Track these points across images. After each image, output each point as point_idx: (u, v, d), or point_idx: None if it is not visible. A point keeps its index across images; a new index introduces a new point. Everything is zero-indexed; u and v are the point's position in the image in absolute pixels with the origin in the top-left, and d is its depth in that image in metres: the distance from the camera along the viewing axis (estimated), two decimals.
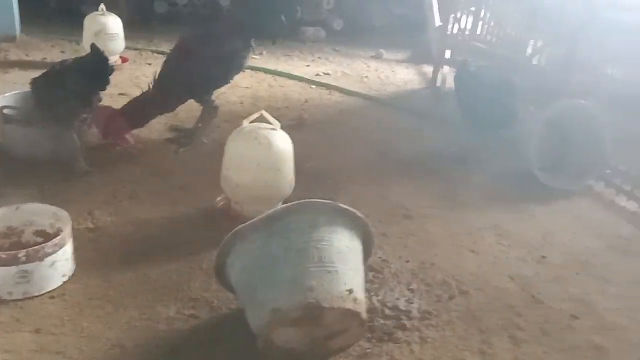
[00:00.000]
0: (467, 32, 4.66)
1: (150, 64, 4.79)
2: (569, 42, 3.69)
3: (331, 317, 1.61)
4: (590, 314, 2.17)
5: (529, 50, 4.07)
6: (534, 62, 4.01)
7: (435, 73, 4.96)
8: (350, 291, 1.64)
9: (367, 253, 1.92)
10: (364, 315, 1.69)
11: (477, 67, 3.74)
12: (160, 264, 2.22)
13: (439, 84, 4.88)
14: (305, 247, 1.66)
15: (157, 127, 3.43)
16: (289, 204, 1.72)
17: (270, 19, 3.19)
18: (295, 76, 4.85)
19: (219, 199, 2.62)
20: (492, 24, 4.45)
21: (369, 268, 2.29)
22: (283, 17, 3.23)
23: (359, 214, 1.81)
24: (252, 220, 1.72)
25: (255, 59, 5.32)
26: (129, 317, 1.94)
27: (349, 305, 1.62)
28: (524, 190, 3.12)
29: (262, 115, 2.42)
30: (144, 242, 2.39)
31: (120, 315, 1.94)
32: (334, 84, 4.75)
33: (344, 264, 1.68)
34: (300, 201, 1.74)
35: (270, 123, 2.42)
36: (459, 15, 4.73)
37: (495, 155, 3.46)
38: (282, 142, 2.41)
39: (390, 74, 5.35)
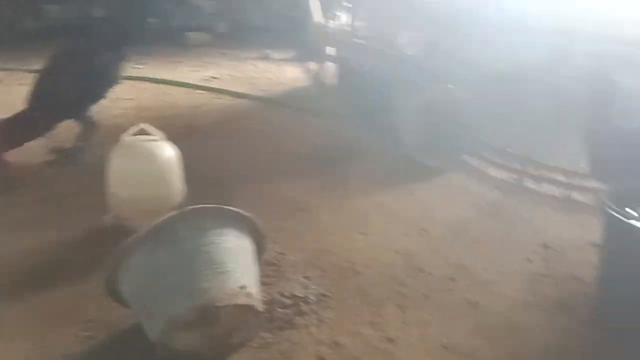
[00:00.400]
0: (345, 29, 4.89)
1: (22, 85, 4.54)
2: (435, 32, 4.02)
3: (227, 314, 1.70)
4: (466, 275, 2.43)
5: (402, 42, 4.37)
6: (408, 52, 4.31)
7: (319, 69, 5.17)
8: (243, 287, 1.74)
9: (260, 248, 2.02)
10: (259, 308, 1.79)
11: (356, 62, 3.97)
12: (50, 290, 2.17)
13: (325, 79, 5.09)
14: (194, 252, 1.73)
15: (36, 149, 3.30)
16: (172, 213, 1.78)
17: (138, 26, 3.18)
18: (182, 83, 4.84)
19: (107, 216, 2.59)
20: (368, 19, 4.72)
21: (265, 262, 2.40)
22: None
23: (244, 213, 1.90)
24: (137, 233, 1.75)
25: (137, 69, 5.23)
26: (24, 350, 1.88)
27: (243, 301, 1.72)
28: (406, 171, 3.39)
29: (142, 127, 2.44)
30: (31, 271, 2.30)
31: (12, 350, 1.88)
32: (222, 88, 4.80)
33: (235, 263, 1.77)
34: (183, 208, 1.81)
35: (151, 134, 2.45)
36: (336, 13, 4.96)
37: (378, 142, 3.71)
38: (166, 152, 2.45)
39: (279, 73, 5.50)
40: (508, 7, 3.68)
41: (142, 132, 2.47)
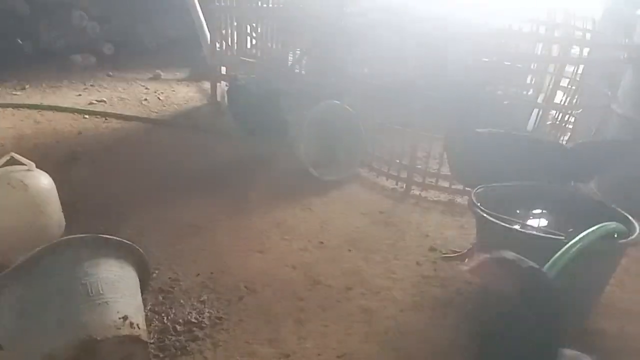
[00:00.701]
0: (235, 48, 4.90)
1: None
2: (322, 50, 4.15)
3: (109, 348, 1.61)
4: (361, 283, 2.50)
5: (290, 60, 4.46)
6: (296, 70, 4.41)
7: (213, 88, 5.13)
8: (125, 317, 1.66)
9: (144, 275, 1.94)
10: (145, 337, 1.72)
11: (245, 80, 3.98)
12: None
13: (219, 98, 5.05)
14: (69, 285, 1.63)
15: None
16: (43, 246, 1.67)
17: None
18: (65, 108, 4.56)
19: None
20: (256, 39, 4.76)
21: (158, 290, 2.33)
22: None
23: (123, 240, 1.83)
24: (6, 271, 1.63)
25: (16, 95, 4.88)
26: None
27: (126, 332, 1.64)
28: (302, 187, 3.44)
29: (12, 157, 2.27)
30: None
31: None
32: (110, 111, 4.60)
33: (114, 293, 1.69)
34: (55, 241, 1.70)
35: (22, 164, 2.29)
36: (225, 32, 4.95)
37: (275, 159, 3.74)
38: (40, 182, 2.30)
39: (171, 94, 5.36)
40: (389, 24, 3.87)
41: (13, 162, 2.30)
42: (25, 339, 1.60)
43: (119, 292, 1.71)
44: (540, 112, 3.94)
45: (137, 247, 1.88)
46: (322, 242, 2.84)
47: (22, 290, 1.61)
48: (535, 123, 3.96)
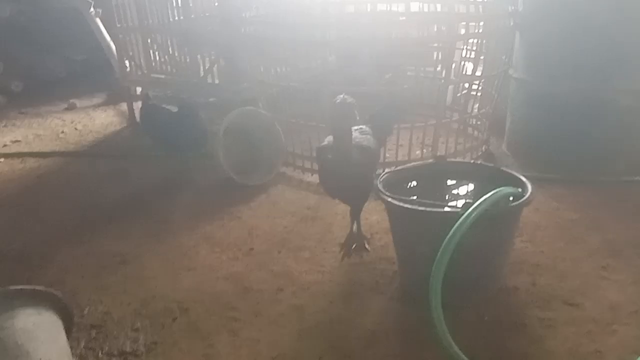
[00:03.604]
0: (144, 67, 4.84)
1: None
2: (228, 57, 4.18)
3: None
4: (291, 282, 2.57)
5: (202, 72, 4.46)
6: (209, 81, 4.42)
7: (130, 110, 5.06)
8: None
9: (67, 316, 1.95)
10: None
11: (157, 97, 3.96)
12: None
13: (138, 119, 4.99)
14: None
15: None
16: None
17: None
18: None
19: None
20: (165, 55, 4.72)
21: (90, 327, 2.33)
22: None
23: (36, 287, 1.83)
24: None
25: None
26: None
27: None
28: (228, 196, 3.47)
29: None
30: None
31: None
32: (25, 151, 4.47)
33: (33, 341, 1.70)
34: None
35: None
36: (132, 53, 4.88)
37: (197, 173, 3.76)
38: None
39: (88, 122, 5.26)
40: (292, 27, 3.94)
41: None
42: None
43: (38, 340, 1.72)
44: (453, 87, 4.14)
45: (53, 292, 1.88)
46: (252, 249, 2.90)
47: None
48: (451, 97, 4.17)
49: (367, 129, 2.70)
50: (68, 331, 1.96)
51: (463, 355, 1.89)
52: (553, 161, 3.51)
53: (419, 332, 2.17)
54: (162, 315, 2.39)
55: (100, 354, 2.17)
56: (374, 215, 3.17)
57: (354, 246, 2.73)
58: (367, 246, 2.74)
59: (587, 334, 2.12)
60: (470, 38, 4.06)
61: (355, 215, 2.72)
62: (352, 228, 2.74)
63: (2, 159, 4.35)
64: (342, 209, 3.29)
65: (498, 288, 2.39)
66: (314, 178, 3.73)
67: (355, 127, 2.59)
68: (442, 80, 3.93)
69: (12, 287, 1.78)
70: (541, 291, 2.41)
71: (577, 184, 3.39)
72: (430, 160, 2.61)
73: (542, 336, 2.13)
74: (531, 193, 2.23)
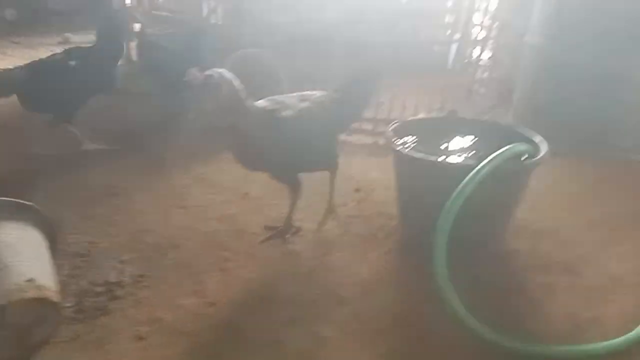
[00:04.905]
0: (145, 3, 4.64)
1: None
2: None
3: (15, 312, 1.54)
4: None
5: (205, 11, 4.28)
6: (212, 20, 4.24)
7: (127, 48, 4.86)
8: (31, 280, 1.58)
9: (51, 236, 1.85)
10: (55, 298, 1.65)
11: (155, 35, 3.79)
12: None
13: (134, 58, 4.80)
14: None
15: None
16: None
17: None
18: None
19: None
20: None
21: (74, 254, 2.24)
22: None
23: (22, 201, 1.73)
24: None
25: None
26: None
27: (32, 294, 1.57)
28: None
29: None
30: None
31: None
32: None
33: (17, 256, 1.61)
34: None
35: None
36: None
37: (193, 114, 3.62)
38: None
39: None
40: None
41: None
42: None
43: (21, 255, 1.63)
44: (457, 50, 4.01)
45: (37, 207, 1.78)
46: (247, 193, 2.81)
47: None
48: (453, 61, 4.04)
49: (323, 97, 2.34)
50: (51, 252, 1.87)
51: (463, 309, 1.84)
52: (560, 132, 3.42)
53: (415, 284, 2.11)
54: (151, 250, 2.31)
55: (83, 282, 2.08)
56: (374, 172, 3.09)
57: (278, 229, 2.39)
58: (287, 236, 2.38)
59: (586, 301, 2.07)
60: None
61: (291, 193, 2.33)
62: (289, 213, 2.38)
63: None
64: (341, 162, 3.19)
65: (500, 249, 2.33)
66: None
67: (307, 92, 2.31)
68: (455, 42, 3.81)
69: None
70: (542, 257, 2.35)
71: (582, 156, 3.32)
72: (442, 114, 2.51)
73: (540, 300, 2.09)
74: (545, 152, 2.15)
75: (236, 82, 2.06)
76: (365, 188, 2.87)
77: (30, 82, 3.04)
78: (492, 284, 2.16)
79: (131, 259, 2.24)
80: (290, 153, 2.13)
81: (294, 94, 2.31)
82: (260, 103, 2.18)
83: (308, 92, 2.35)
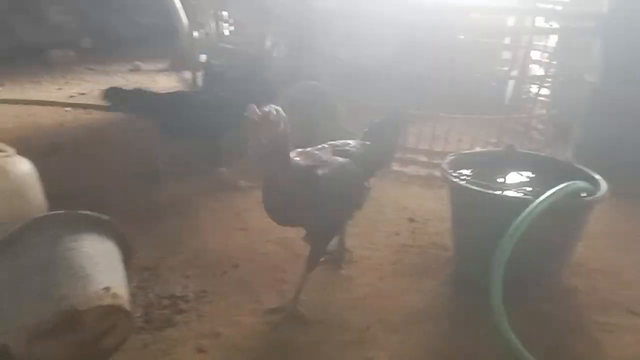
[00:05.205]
0: (213, 35, 4.91)
1: None
2: (297, 33, 4.19)
3: (91, 317, 1.66)
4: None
5: (268, 44, 4.48)
6: (274, 54, 4.43)
7: (193, 77, 5.15)
8: (107, 289, 1.71)
9: (126, 250, 1.99)
10: (127, 307, 1.77)
11: (221, 66, 4.01)
12: None
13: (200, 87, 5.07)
14: (51, 260, 1.67)
15: None
16: (24, 223, 1.71)
17: None
18: (45, 101, 4.57)
19: None
20: (234, 25, 4.78)
21: (142, 268, 2.37)
22: None
23: (101, 216, 1.87)
24: None
25: None
26: None
27: (108, 302, 1.69)
28: None
29: None
30: None
31: None
32: (90, 103, 4.61)
33: (96, 266, 1.74)
34: (35, 217, 1.75)
35: (3, 151, 2.32)
36: (202, 20, 4.97)
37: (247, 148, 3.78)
38: (20, 167, 2.32)
39: (152, 85, 5.36)
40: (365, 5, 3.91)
41: None
42: (11, 313, 1.64)
43: (100, 266, 1.75)
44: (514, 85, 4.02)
45: (116, 223, 1.92)
46: None
47: (5, 265, 1.65)
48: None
49: (353, 146, 2.27)
50: (125, 265, 2.00)
51: (519, 344, 1.83)
52: (619, 171, 3.35)
53: (469, 316, 2.12)
54: (212, 268, 2.42)
55: (150, 294, 2.21)
56: (428, 203, 3.12)
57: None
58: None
59: None
60: (544, 34, 3.93)
61: (312, 257, 2.13)
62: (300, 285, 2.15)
63: (68, 108, 4.50)
64: (396, 192, 3.26)
65: (557, 286, 2.31)
66: None
67: (339, 142, 2.24)
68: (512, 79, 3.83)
69: (80, 212, 1.82)
70: (601, 296, 2.31)
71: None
72: (500, 148, 2.53)
73: (600, 340, 2.05)
74: (605, 190, 2.14)
75: (288, 127, 1.92)
76: (420, 218, 2.91)
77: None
78: (550, 322, 2.13)
79: (195, 275, 2.36)
80: (324, 208, 2.04)
81: (327, 145, 2.23)
82: (296, 157, 2.05)
83: (340, 142, 2.29)
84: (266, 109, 1.88)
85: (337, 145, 2.25)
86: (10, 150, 2.35)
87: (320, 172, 2.03)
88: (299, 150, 2.12)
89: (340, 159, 2.16)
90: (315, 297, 2.23)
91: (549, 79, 3.89)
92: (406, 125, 2.71)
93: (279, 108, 1.92)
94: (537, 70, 4.26)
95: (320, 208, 2.02)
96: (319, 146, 2.22)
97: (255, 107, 1.88)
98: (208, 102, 3.28)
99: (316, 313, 2.12)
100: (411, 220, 2.89)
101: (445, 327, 2.08)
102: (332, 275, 2.39)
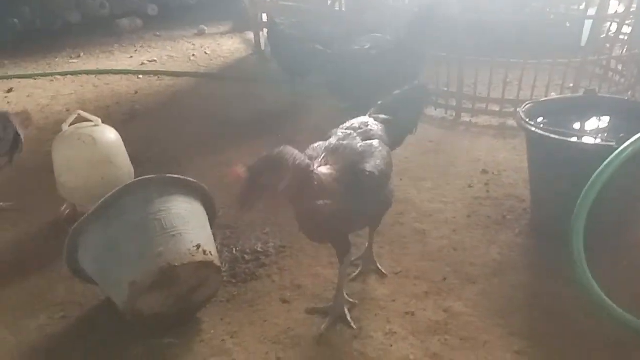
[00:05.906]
0: None
1: None
2: None
3: (185, 273, 1.79)
4: (413, 209, 2.58)
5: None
6: (336, 8, 4.38)
7: (256, 38, 5.19)
8: (198, 246, 1.83)
9: (211, 210, 2.11)
10: (217, 262, 1.89)
11: (285, 24, 4.01)
12: (20, 282, 2.22)
13: (263, 47, 5.11)
14: (144, 221, 1.81)
15: None
16: (118, 188, 1.84)
17: None
18: (119, 70, 4.79)
19: (63, 207, 2.61)
20: None
21: (223, 226, 2.51)
22: None
23: (189, 178, 1.98)
24: (87, 213, 1.82)
25: (72, 63, 5.15)
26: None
27: (199, 258, 1.82)
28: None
29: (79, 115, 2.46)
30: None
31: None
32: (161, 69, 4.78)
33: (186, 225, 1.86)
34: (128, 182, 1.88)
35: (90, 120, 2.47)
36: None
37: (320, 100, 3.81)
38: (107, 136, 2.48)
39: (216, 48, 5.48)
40: None
41: (80, 120, 2.49)
42: (113, 271, 1.81)
43: (190, 225, 1.88)
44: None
45: (203, 185, 2.03)
46: None
47: (104, 229, 1.81)
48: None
49: (373, 125, 2.03)
50: (210, 225, 2.12)
51: (601, 293, 1.80)
52: None
53: (549, 267, 2.10)
54: (290, 225, 2.49)
55: (234, 250, 2.34)
56: (501, 154, 3.05)
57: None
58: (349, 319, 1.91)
59: None
60: None
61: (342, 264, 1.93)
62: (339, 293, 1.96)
63: (141, 76, 4.69)
64: (467, 144, 3.21)
65: (638, 236, 2.23)
66: (438, 112, 3.65)
67: (352, 127, 1.98)
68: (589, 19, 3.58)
69: (169, 175, 1.94)
70: None
71: None
72: (578, 94, 2.41)
73: None
74: None
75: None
76: (493, 170, 2.86)
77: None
78: (631, 272, 2.08)
79: (273, 231, 2.46)
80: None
81: (349, 130, 1.98)
82: (325, 164, 1.84)
83: (358, 122, 2.05)
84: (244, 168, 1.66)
85: (359, 128, 2.00)
86: (97, 119, 2.51)
87: (366, 166, 1.80)
88: (322, 146, 1.91)
89: (373, 143, 1.92)
90: (390, 249, 2.28)
91: (631, 16, 3.60)
92: (428, 103, 2.48)
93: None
94: (616, 7, 3.96)
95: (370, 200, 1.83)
96: (339, 133, 1.97)
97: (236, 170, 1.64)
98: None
99: (393, 264, 2.18)
100: (484, 172, 2.85)
101: (524, 278, 2.08)
102: (406, 230, 2.42)
